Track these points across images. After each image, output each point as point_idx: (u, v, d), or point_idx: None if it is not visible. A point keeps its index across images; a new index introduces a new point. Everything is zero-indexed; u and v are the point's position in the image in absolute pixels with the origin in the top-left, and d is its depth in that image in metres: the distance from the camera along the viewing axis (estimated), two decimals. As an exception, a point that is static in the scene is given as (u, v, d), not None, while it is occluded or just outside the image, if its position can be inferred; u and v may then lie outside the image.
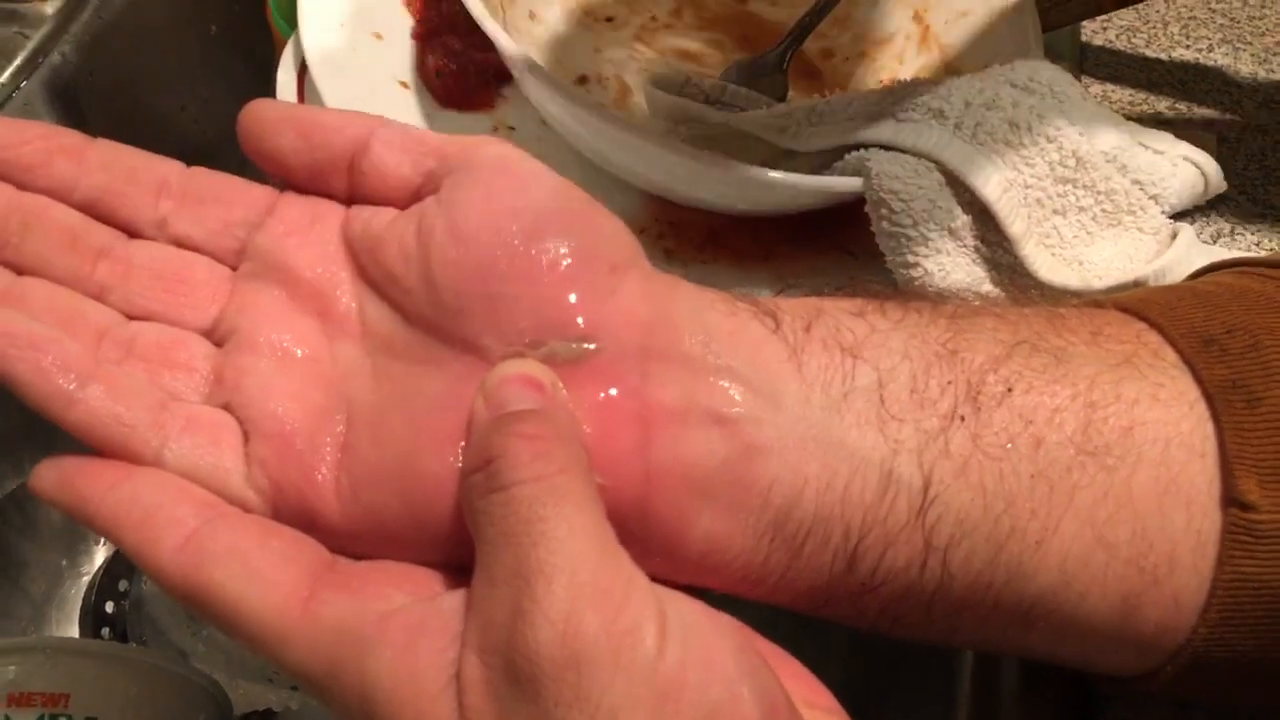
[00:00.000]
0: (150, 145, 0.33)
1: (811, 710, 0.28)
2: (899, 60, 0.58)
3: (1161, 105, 0.62)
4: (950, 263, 0.45)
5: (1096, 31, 0.67)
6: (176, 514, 0.28)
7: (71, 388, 0.29)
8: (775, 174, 0.46)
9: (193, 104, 0.68)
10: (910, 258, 0.45)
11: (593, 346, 0.29)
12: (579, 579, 0.24)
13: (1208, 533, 0.30)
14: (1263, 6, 0.70)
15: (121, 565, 0.58)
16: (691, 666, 0.24)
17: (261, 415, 0.30)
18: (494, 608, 0.25)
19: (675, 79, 0.54)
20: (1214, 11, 0.69)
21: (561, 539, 0.25)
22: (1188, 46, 0.66)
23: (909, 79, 0.52)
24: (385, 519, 0.29)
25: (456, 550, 0.28)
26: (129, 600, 0.56)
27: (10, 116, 0.56)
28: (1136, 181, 0.49)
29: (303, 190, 0.33)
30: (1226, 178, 0.57)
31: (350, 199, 0.33)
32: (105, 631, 0.56)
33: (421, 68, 0.54)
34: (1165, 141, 0.52)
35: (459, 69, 0.53)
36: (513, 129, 0.54)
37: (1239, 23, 0.69)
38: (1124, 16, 0.67)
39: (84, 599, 0.57)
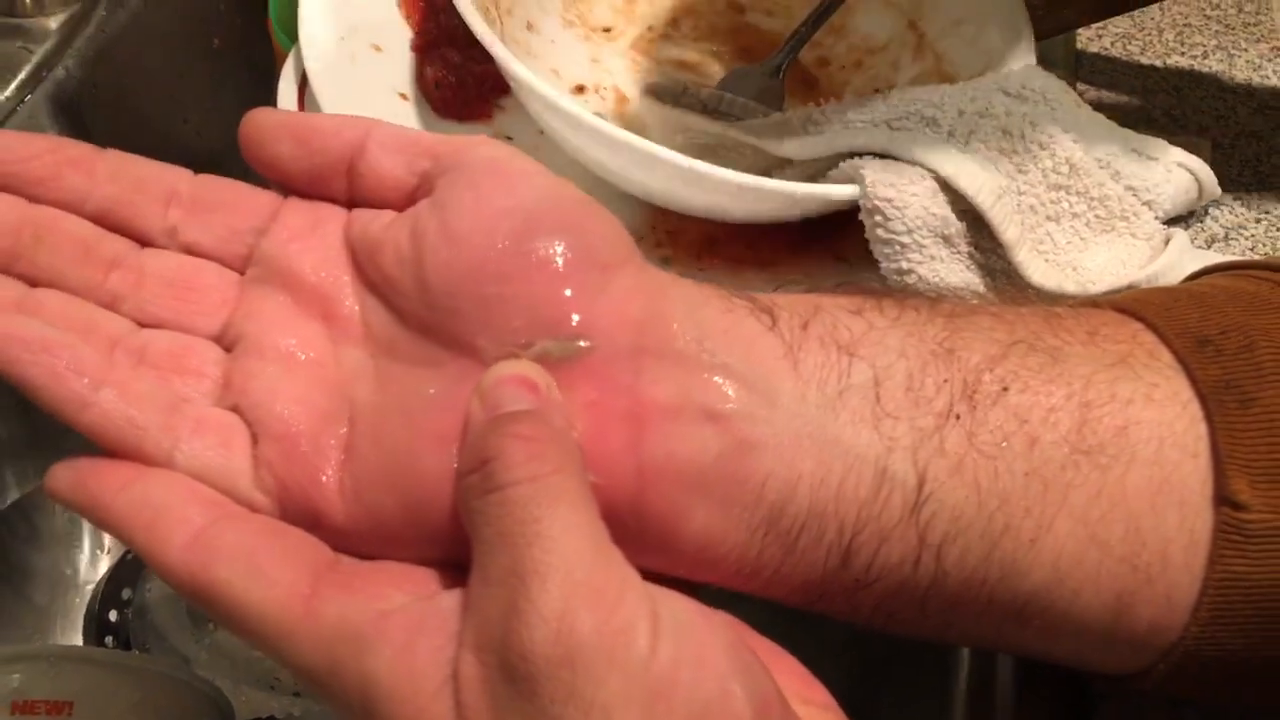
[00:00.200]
0: (154, 156, 0.34)
1: (806, 706, 0.28)
2: (894, 68, 0.58)
3: (1156, 111, 0.63)
4: (944, 269, 0.45)
5: (1092, 39, 0.67)
6: (185, 514, 0.29)
7: (85, 391, 0.30)
8: (771, 182, 0.46)
9: (196, 115, 0.69)
10: (904, 264, 0.45)
11: (586, 345, 0.29)
12: (573, 578, 0.25)
13: (1200, 532, 0.30)
14: (1258, 13, 0.71)
15: (125, 574, 0.58)
16: (684, 664, 0.25)
17: (269, 418, 0.30)
18: (490, 606, 0.25)
19: (672, 88, 0.55)
20: (1209, 18, 0.70)
21: (556, 538, 0.25)
22: (1182, 53, 0.67)
23: (904, 87, 0.52)
24: (387, 519, 0.29)
25: (456, 549, 0.28)
26: (132, 608, 0.57)
27: (15, 129, 0.57)
28: (1130, 188, 0.50)
29: (305, 195, 0.33)
30: (1221, 183, 0.58)
31: (351, 202, 0.33)
32: (109, 639, 0.56)
33: (420, 79, 0.54)
34: (1159, 148, 0.53)
35: (457, 80, 0.54)
36: (511, 139, 0.55)
37: (1234, 29, 0.69)
38: (1119, 24, 0.68)
39: (88, 607, 0.58)
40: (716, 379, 0.29)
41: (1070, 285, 0.46)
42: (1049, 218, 0.47)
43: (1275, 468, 0.30)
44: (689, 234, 0.51)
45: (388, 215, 0.32)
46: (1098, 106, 0.62)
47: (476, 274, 0.29)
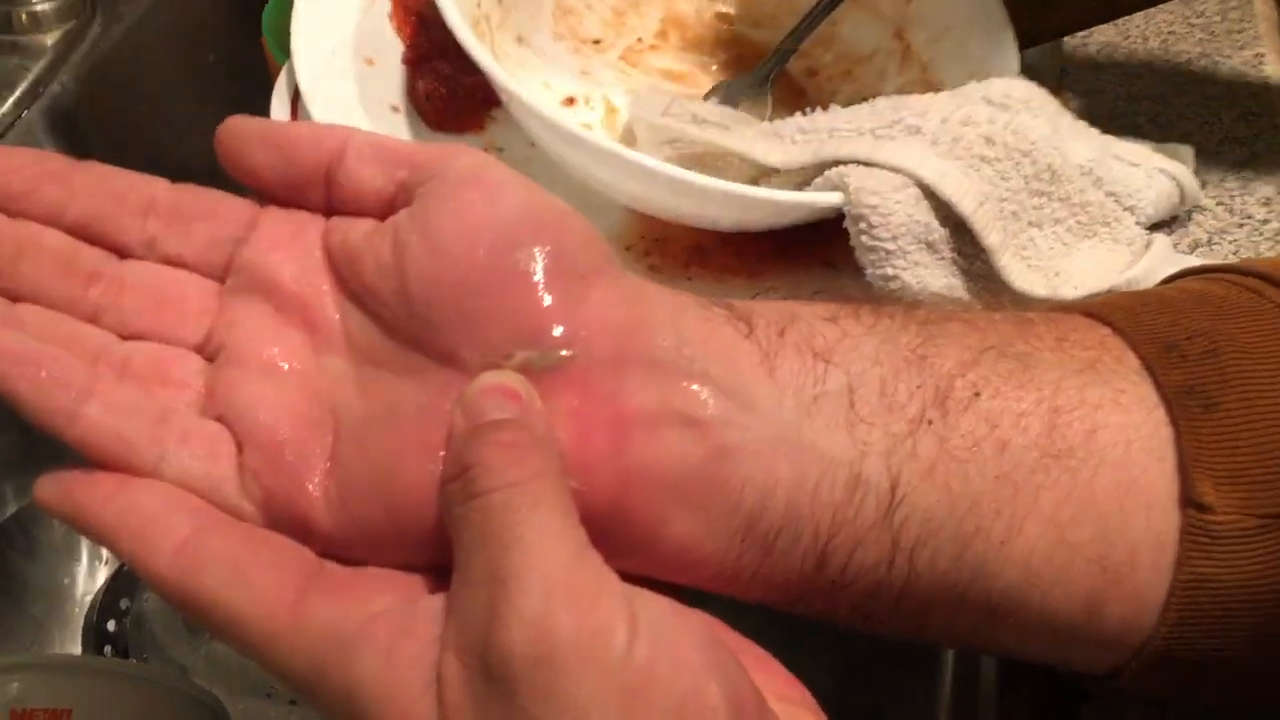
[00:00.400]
0: (148, 169, 0.34)
1: (784, 704, 0.29)
2: (881, 77, 0.59)
3: (1141, 118, 0.63)
4: (928, 274, 0.46)
5: (1078, 46, 0.68)
6: (172, 522, 0.29)
7: (72, 404, 0.30)
8: (757, 191, 0.47)
9: (191, 128, 0.70)
10: (889, 270, 0.46)
11: (567, 354, 0.29)
12: (551, 581, 0.25)
13: (1167, 533, 0.30)
14: (1241, 20, 0.71)
15: (122, 584, 0.59)
16: (660, 663, 0.25)
17: (253, 427, 0.31)
18: (471, 610, 0.26)
19: (661, 99, 0.55)
20: (1193, 26, 0.70)
21: (534, 543, 0.26)
22: (1167, 60, 0.67)
23: (889, 96, 0.53)
24: (372, 526, 0.29)
25: (440, 554, 0.28)
26: (130, 618, 0.57)
27: (12, 145, 0.58)
28: (1111, 194, 0.50)
29: (283, 204, 0.34)
30: (1205, 188, 0.58)
31: (329, 210, 0.33)
32: (107, 649, 0.57)
33: (412, 92, 0.55)
34: (1141, 154, 0.53)
35: (448, 92, 0.54)
36: (502, 150, 0.55)
37: (1218, 36, 0.70)
38: (1104, 32, 0.68)
39: (86, 617, 0.58)
40: (695, 386, 0.30)
41: (1052, 290, 0.47)
42: (1031, 223, 0.47)
43: (1239, 470, 0.30)
44: (677, 242, 0.52)
45: (367, 224, 0.32)
46: (1083, 113, 0.63)
47: (458, 286, 0.30)
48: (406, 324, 0.31)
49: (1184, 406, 0.31)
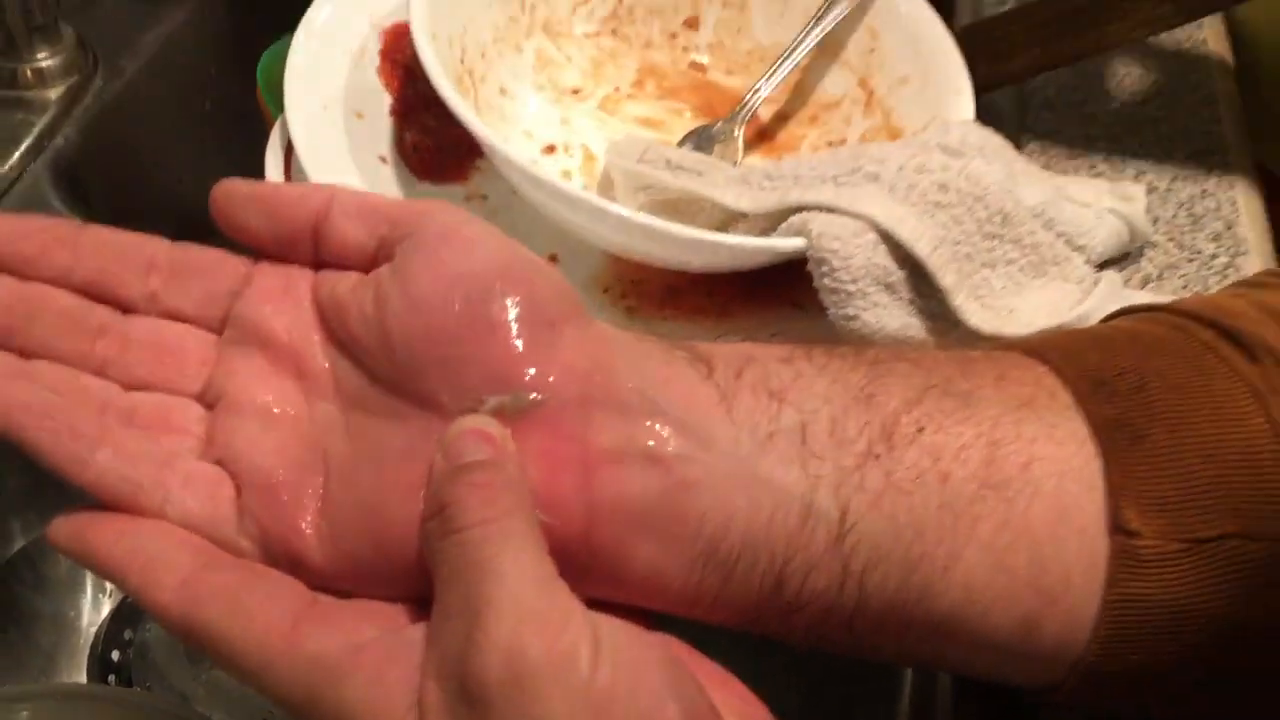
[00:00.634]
0: (149, 215, 0.37)
1: None
2: (846, 123, 0.62)
3: (1097, 158, 0.66)
4: (888, 314, 0.48)
5: (1037, 89, 0.71)
6: (175, 560, 0.31)
7: (84, 452, 0.32)
8: (726, 237, 0.49)
9: (189, 178, 0.72)
10: (851, 310, 0.48)
11: (538, 398, 0.32)
12: (521, 609, 0.27)
13: (1098, 557, 0.32)
14: (1197, 61, 0.74)
15: (126, 616, 0.60)
16: (622, 682, 0.27)
17: (250, 470, 0.33)
18: (449, 638, 0.28)
19: (637, 146, 0.58)
20: (1149, 68, 0.73)
21: (506, 574, 0.28)
22: (1124, 101, 0.70)
23: (851, 144, 0.56)
24: (360, 561, 0.32)
25: (422, 586, 0.31)
26: (133, 649, 0.59)
27: (18, 196, 0.61)
28: (1062, 234, 0.53)
29: (275, 259, 0.36)
30: (1157, 225, 0.61)
31: (318, 263, 0.36)
32: (111, 678, 0.58)
33: (400, 143, 0.57)
34: (1092, 195, 0.56)
35: (434, 144, 0.57)
36: (486, 197, 0.58)
37: (1174, 77, 0.73)
38: (1062, 75, 0.71)
39: (91, 648, 0.60)
40: (657, 426, 0.32)
41: (1006, 327, 0.49)
42: (985, 264, 0.50)
43: (1163, 498, 0.32)
44: (652, 284, 0.54)
45: (352, 277, 0.34)
46: (1041, 154, 0.66)
47: (436, 337, 0.32)
48: (389, 371, 0.33)
49: (1112, 439, 0.33)
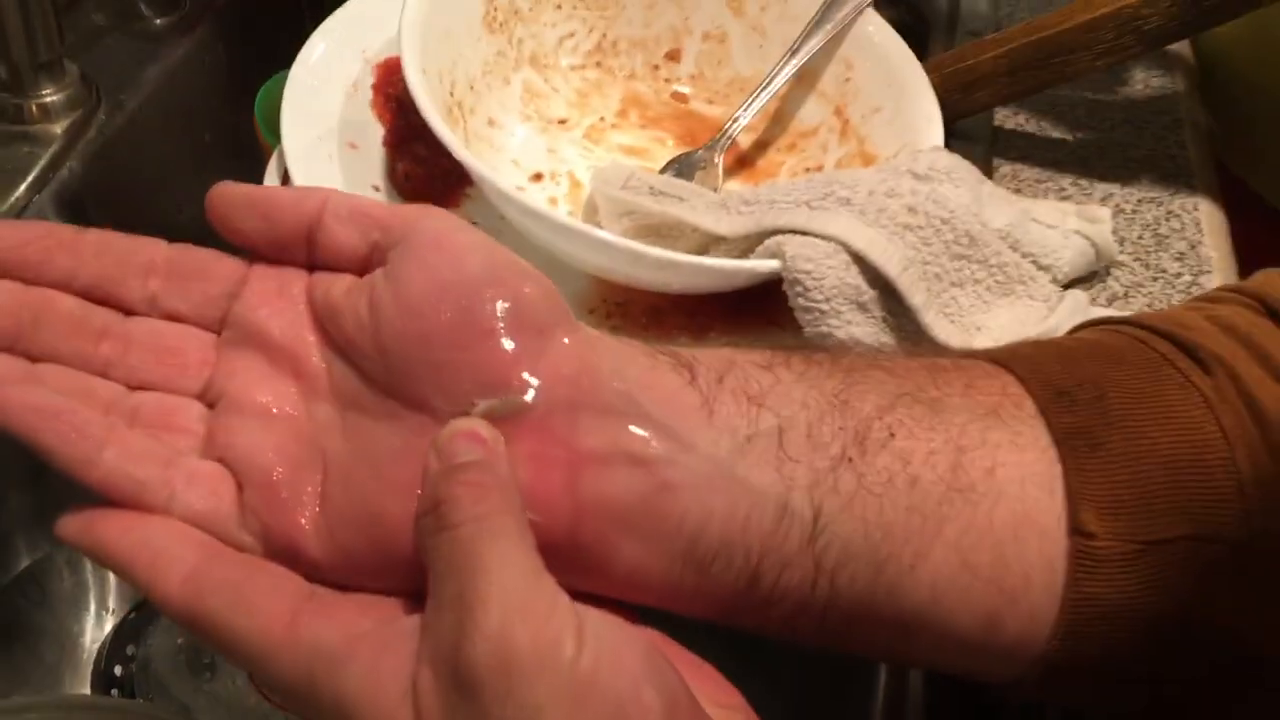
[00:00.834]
0: (152, 239, 0.37)
1: (720, 709, 0.32)
2: (823, 150, 0.64)
3: (1065, 181, 0.68)
4: (860, 331, 0.50)
5: (1009, 116, 0.73)
6: (180, 554, 0.32)
7: (91, 452, 0.33)
8: (705, 260, 0.51)
9: (189, 206, 0.73)
10: (824, 329, 0.50)
11: (528, 398, 0.33)
12: (509, 601, 0.29)
13: (1057, 558, 0.34)
14: (1163, 88, 0.77)
15: (128, 631, 0.61)
16: (603, 668, 0.28)
17: (251, 468, 0.34)
18: (442, 628, 0.29)
19: (621, 173, 0.60)
20: (1117, 95, 0.76)
21: (495, 568, 0.29)
22: (1092, 127, 0.73)
23: (825, 170, 0.58)
24: (357, 556, 0.33)
25: (416, 580, 0.32)
26: (136, 663, 0.60)
27: (24, 225, 0.62)
28: (1028, 255, 0.55)
29: (271, 261, 0.37)
30: (1123, 246, 0.63)
31: (312, 266, 0.36)
32: (114, 692, 0.60)
33: (392, 173, 0.59)
34: (1058, 217, 0.58)
35: (426, 173, 0.58)
36: (475, 224, 0.59)
37: (1139, 104, 0.75)
38: (1033, 102, 0.73)
39: (95, 663, 0.61)
40: (641, 429, 0.33)
41: (974, 343, 0.51)
42: (954, 284, 0.52)
43: (1119, 502, 0.34)
44: (636, 305, 0.56)
45: (346, 280, 0.35)
46: (1012, 178, 0.68)
47: (428, 342, 0.33)
48: (383, 375, 0.34)
49: (1072, 446, 0.35)
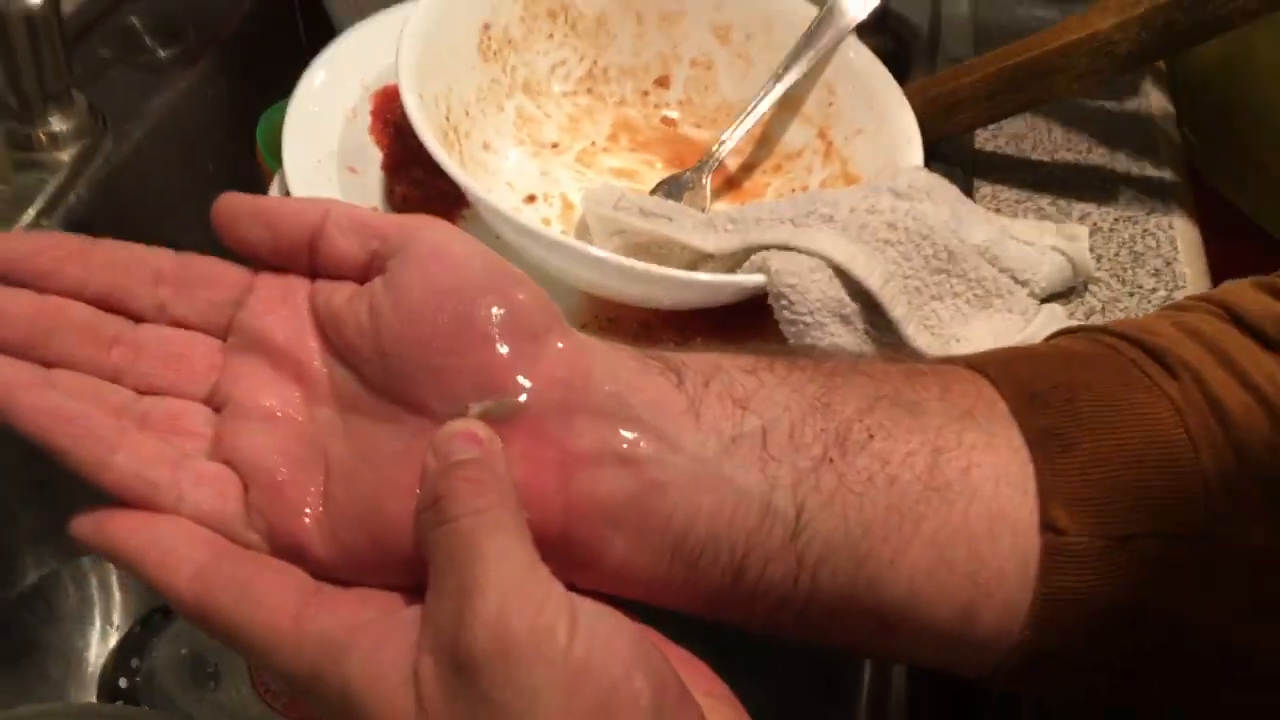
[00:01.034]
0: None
1: (707, 698, 0.33)
2: (808, 171, 0.66)
3: (1044, 201, 0.70)
4: (843, 343, 0.52)
5: (989, 138, 0.75)
6: (189, 552, 0.34)
7: (104, 454, 0.34)
8: (693, 275, 0.53)
9: (193, 230, 0.73)
10: (809, 340, 0.52)
11: (523, 400, 0.34)
12: (507, 590, 0.30)
13: (1030, 553, 0.35)
14: (1138, 109, 0.79)
15: (133, 645, 0.62)
16: (595, 654, 0.30)
17: (257, 470, 0.35)
18: (441, 616, 0.31)
19: (612, 194, 0.62)
20: (1093, 117, 0.78)
21: (493, 559, 0.30)
22: (1069, 149, 0.75)
23: (809, 190, 0.60)
24: (359, 553, 0.34)
25: (415, 575, 0.33)
26: (140, 675, 0.61)
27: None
28: (1006, 270, 0.57)
29: (275, 269, 0.38)
30: (1100, 262, 0.65)
31: (315, 274, 0.38)
32: (120, 704, 0.61)
33: (390, 195, 0.60)
34: (1036, 234, 0.60)
35: (423, 196, 0.60)
36: (471, 244, 0.61)
37: (1116, 125, 0.77)
38: (1013, 124, 0.75)
39: (100, 676, 0.62)
40: (630, 431, 0.34)
41: (953, 354, 0.53)
42: (933, 297, 0.54)
43: (1089, 500, 0.35)
44: (627, 320, 0.58)
45: (347, 288, 0.36)
46: (992, 197, 0.70)
47: (427, 347, 0.34)
48: (383, 379, 0.35)
49: (1044, 447, 0.36)
